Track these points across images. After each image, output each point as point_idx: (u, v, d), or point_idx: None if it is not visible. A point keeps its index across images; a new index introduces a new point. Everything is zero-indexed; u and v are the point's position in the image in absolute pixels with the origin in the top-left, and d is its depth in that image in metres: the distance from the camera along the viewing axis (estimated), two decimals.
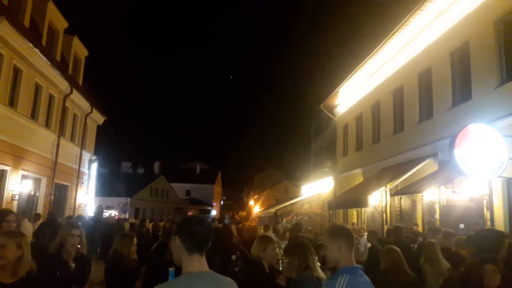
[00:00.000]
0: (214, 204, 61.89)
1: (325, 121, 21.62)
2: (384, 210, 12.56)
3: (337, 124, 19.50)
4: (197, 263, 1.99)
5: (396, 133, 13.10)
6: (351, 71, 14.98)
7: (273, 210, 25.97)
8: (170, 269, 2.12)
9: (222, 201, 70.35)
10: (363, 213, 14.72)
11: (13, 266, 2.65)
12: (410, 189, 10.50)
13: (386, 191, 12.03)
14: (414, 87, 12.02)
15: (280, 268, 3.93)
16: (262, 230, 10.99)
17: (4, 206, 11.73)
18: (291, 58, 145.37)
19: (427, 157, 10.50)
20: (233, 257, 5.60)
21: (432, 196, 10.02)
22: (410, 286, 4.00)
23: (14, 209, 12.21)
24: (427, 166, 10.42)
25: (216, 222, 17.35)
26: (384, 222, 12.41)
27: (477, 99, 9.02)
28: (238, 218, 32.98)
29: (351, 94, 17.00)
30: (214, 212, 56.40)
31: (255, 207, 46.27)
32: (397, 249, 4.48)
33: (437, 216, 10.06)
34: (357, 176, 15.53)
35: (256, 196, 51.68)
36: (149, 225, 14.00)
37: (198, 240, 2.00)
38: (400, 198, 12.00)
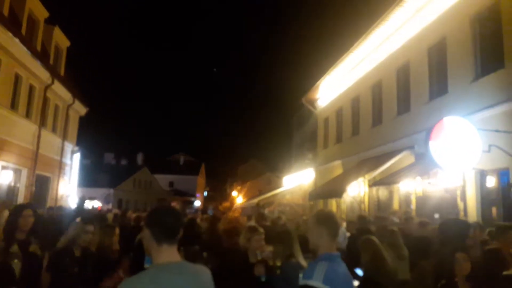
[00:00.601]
0: (198, 195, 61.90)
1: (306, 114, 21.89)
2: (362, 200, 12.94)
3: (318, 117, 19.79)
4: (166, 254, 1.95)
5: (375, 126, 13.44)
6: (332, 65, 15.23)
7: (255, 200, 26.28)
8: (147, 255, 2.14)
9: (205, 192, 70.38)
10: (342, 204, 15.09)
11: None
12: (387, 180, 10.87)
13: (364, 182, 12.39)
14: (392, 82, 12.33)
15: (259, 258, 3.96)
16: (245, 220, 11.19)
17: None
18: (274, 51, 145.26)
19: (404, 150, 10.83)
20: (204, 254, 5.49)
21: (409, 187, 10.37)
22: (386, 275, 4.09)
23: None
24: (404, 158, 10.77)
25: (200, 213, 17.45)
26: (362, 212, 12.79)
27: (453, 93, 9.31)
28: (223, 209, 33.16)
29: (331, 88, 17.28)
30: (198, 203, 56.45)
31: (238, 198, 46.52)
32: (371, 239, 4.64)
33: (413, 206, 10.45)
34: (337, 167, 15.87)
35: (239, 187, 51.91)
36: (132, 216, 14.03)
37: (166, 230, 1.96)
38: (378, 188, 12.37)
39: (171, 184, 59.79)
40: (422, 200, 10.10)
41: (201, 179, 66.19)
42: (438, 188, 9.30)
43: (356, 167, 13.49)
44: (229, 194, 58.42)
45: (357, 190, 12.51)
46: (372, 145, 13.03)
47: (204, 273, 2.07)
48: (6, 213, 9.56)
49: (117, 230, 5.15)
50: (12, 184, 14.56)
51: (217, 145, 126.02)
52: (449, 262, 3.49)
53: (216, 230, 6.81)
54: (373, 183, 11.65)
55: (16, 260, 3.60)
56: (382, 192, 12.45)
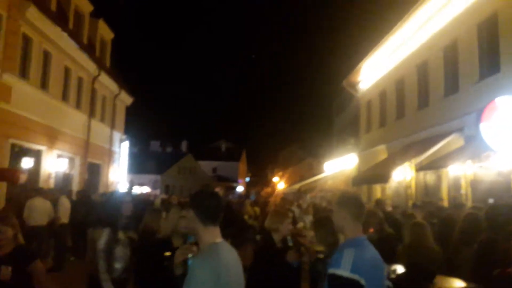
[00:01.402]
0: (240, 181, 62.83)
1: (347, 98, 21.43)
2: (408, 185, 12.58)
3: (360, 100, 19.31)
4: (212, 234, 2.10)
5: (421, 108, 12.94)
6: (374, 46, 14.74)
7: (297, 186, 26.30)
8: (189, 234, 2.30)
9: (247, 178, 71.27)
10: (387, 189, 14.75)
11: (9, 243, 3.33)
12: (435, 164, 10.47)
13: (411, 167, 12.02)
14: (439, 61, 11.77)
15: (290, 244, 3.93)
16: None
17: (41, 184, 12.44)
18: (313, 34, 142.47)
19: (453, 132, 10.38)
20: (258, 237, 5.52)
21: (458, 171, 9.96)
22: (432, 261, 4.01)
23: (51, 187, 12.96)
24: (453, 141, 10.31)
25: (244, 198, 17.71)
26: (409, 197, 12.46)
27: (506, 72, 8.78)
28: (265, 195, 33.50)
29: (374, 70, 16.76)
30: (240, 189, 57.33)
31: (280, 184, 46.72)
32: (423, 224, 4.53)
33: (463, 191, 10.04)
34: (381, 152, 15.48)
35: (280, 173, 52.08)
36: (175, 200, 14.45)
37: (210, 212, 2.10)
38: (425, 173, 11.96)
39: (214, 170, 61.09)
40: (473, 185, 9.67)
41: (242, 165, 67.03)
42: (491, 171, 8.86)
43: (401, 151, 13.09)
44: (271, 180, 58.79)
45: (403, 175, 12.17)
46: (418, 128, 12.56)
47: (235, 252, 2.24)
48: (63, 199, 10.24)
49: (164, 214, 5.33)
50: (67, 171, 15.47)
51: (257, 131, 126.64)
52: (499, 249, 3.32)
53: (267, 214, 7.00)
54: (420, 168, 11.26)
55: (121, 247, 3.68)
56: (429, 176, 12.04)
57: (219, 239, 2.12)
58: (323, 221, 3.79)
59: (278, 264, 3.41)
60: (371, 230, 5.02)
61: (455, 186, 10.50)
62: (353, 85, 19.08)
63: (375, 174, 12.88)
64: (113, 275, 3.62)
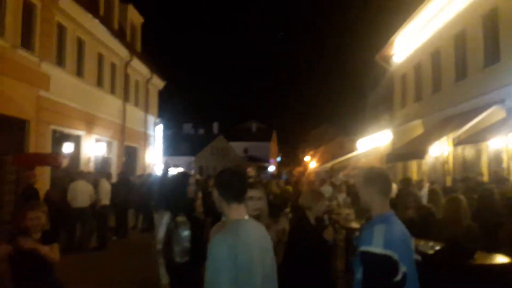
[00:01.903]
0: (271, 161, 63.05)
1: (381, 73, 20.80)
2: (446, 161, 12.21)
3: (393, 74, 18.71)
4: (236, 212, 2.11)
5: (458, 80, 12.40)
6: (407, 18, 14.13)
7: (329, 165, 26.06)
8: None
9: (278, 158, 71.40)
10: (423, 165, 14.38)
11: (41, 228, 3.70)
12: (474, 138, 10.09)
13: (448, 141, 11.64)
14: (478, 30, 11.15)
15: (326, 223, 3.94)
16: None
17: (81, 168, 13.00)
18: (344, 8, 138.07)
19: (494, 104, 9.92)
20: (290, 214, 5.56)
21: (499, 145, 9.56)
22: (467, 237, 3.92)
23: (91, 170, 13.52)
24: (494, 113, 9.86)
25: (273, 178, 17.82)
26: (446, 173, 12.11)
27: None
28: (297, 174, 33.50)
29: (408, 43, 16.12)
30: (271, 169, 57.59)
31: (311, 163, 46.49)
32: (459, 198, 4.41)
33: (504, 165, 9.64)
34: (417, 127, 15.03)
35: (312, 152, 51.72)
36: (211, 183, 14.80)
37: (233, 190, 2.12)
38: (464, 148, 11.55)
39: (245, 150, 61.56)
40: None
41: (273, 145, 67.11)
42: None
43: (438, 125, 12.67)
44: (302, 159, 58.57)
45: (440, 150, 11.81)
46: (456, 101, 12.08)
47: (265, 230, 2.26)
48: (103, 181, 10.68)
49: (199, 194, 5.48)
50: (105, 155, 16.06)
51: (288, 111, 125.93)
52: None
53: (300, 192, 7.09)
54: (458, 142, 10.86)
55: (184, 229, 3.65)
56: (468, 151, 11.62)
57: (244, 217, 2.13)
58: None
59: (313, 242, 3.42)
60: (409, 210, 4.95)
61: (496, 160, 10.09)
62: (387, 59, 18.48)
63: (411, 150, 12.56)
64: (176, 259, 3.54)
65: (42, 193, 8.88)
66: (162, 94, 23.13)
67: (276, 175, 33.59)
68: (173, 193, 3.76)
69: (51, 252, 3.62)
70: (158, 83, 22.02)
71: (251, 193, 3.05)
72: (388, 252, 2.11)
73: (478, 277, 3.35)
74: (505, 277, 3.38)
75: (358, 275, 2.24)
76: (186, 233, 3.55)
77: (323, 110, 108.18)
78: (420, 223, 4.58)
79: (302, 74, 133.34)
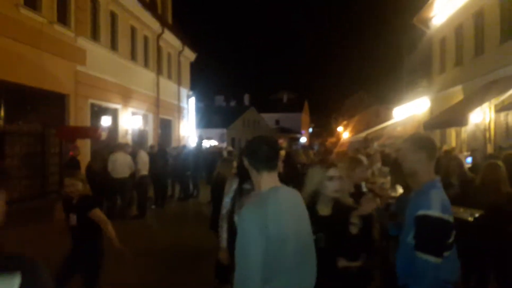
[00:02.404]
0: (303, 132, 62.62)
1: (418, 36, 19.83)
2: (487, 128, 11.68)
3: (432, 38, 17.80)
4: (267, 180, 2.02)
5: (504, 42, 11.63)
6: None
7: (363, 134, 25.61)
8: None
9: (310, 129, 70.77)
10: (463, 133, 13.85)
11: (78, 194, 3.95)
12: None
13: (490, 108, 11.10)
14: None
15: (364, 189, 3.88)
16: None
17: (120, 140, 13.45)
18: None
19: None
20: None
21: None
22: (500, 205, 3.78)
23: (129, 143, 13.97)
24: None
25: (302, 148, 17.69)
26: (487, 141, 11.62)
27: None
28: (329, 145, 33.13)
29: (448, 3, 15.21)
30: (303, 140, 57.32)
31: (345, 133, 45.84)
32: (498, 164, 4.26)
33: None
34: (457, 93, 14.40)
35: (345, 122, 50.88)
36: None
37: (262, 158, 2.02)
38: (507, 114, 10.99)
39: (277, 122, 61.35)
40: None
41: (305, 116, 66.40)
42: None
43: (480, 91, 12.06)
44: (335, 130, 57.82)
45: (481, 117, 11.30)
46: (500, 65, 11.39)
47: (299, 195, 2.16)
48: (142, 153, 11.01)
49: (234, 163, 5.57)
50: (142, 128, 16.50)
51: (320, 80, 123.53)
52: None
53: (328, 161, 7.03)
54: (500, 108, 10.35)
55: None
56: (511, 118, 11.06)
57: (276, 185, 2.04)
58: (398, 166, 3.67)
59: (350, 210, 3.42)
60: (452, 177, 4.81)
61: None
62: (425, 22, 17.57)
63: (450, 117, 12.10)
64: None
65: (83, 165, 9.29)
66: (193, 66, 23.25)
67: (308, 146, 33.37)
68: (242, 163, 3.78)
69: (96, 215, 3.93)
70: (189, 55, 22.10)
71: (331, 172, 2.87)
72: (445, 216, 2.20)
73: None
74: None
75: (409, 238, 2.29)
76: None
77: (357, 78, 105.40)
78: (459, 190, 4.47)
79: (335, 41, 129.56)
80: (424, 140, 2.44)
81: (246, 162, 2.08)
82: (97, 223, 3.90)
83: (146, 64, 16.82)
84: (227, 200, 3.81)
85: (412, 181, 2.51)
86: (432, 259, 2.16)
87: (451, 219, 2.26)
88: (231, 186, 3.86)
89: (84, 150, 11.38)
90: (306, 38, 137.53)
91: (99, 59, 12.81)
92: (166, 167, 11.90)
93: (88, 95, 12.30)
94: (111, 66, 13.62)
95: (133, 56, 15.62)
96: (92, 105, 12.78)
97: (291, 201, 2.04)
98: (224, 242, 3.76)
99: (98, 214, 3.97)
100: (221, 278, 4.50)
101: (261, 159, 2.02)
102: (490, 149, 11.09)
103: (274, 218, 1.85)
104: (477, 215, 3.70)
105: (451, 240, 2.27)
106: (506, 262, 3.73)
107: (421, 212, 2.22)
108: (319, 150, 16.06)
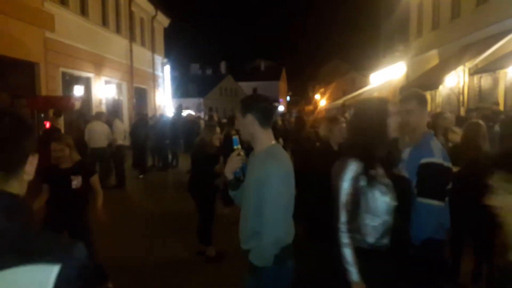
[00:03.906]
0: (281, 100, 62.57)
1: (396, 1, 19.77)
2: (461, 91, 11.95)
3: (410, 2, 17.79)
4: (269, 136, 2.17)
5: (479, 4, 11.74)
6: None
7: (340, 101, 25.81)
8: (234, 136, 2.30)
9: (288, 97, 70.77)
10: (437, 97, 14.15)
11: (67, 158, 3.77)
12: (492, 66, 9.80)
13: (464, 71, 11.32)
14: None
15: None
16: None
17: (94, 109, 13.07)
18: None
19: None
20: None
21: None
22: (478, 160, 3.91)
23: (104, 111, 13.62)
24: None
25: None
26: (461, 104, 11.92)
27: None
28: (306, 112, 33.27)
29: None
30: (281, 108, 57.39)
31: (322, 101, 46.09)
32: (479, 123, 4.36)
33: None
34: (433, 57, 14.58)
35: (322, 90, 51.10)
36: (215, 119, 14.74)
37: (268, 114, 2.15)
38: (480, 77, 11.25)
39: (254, 90, 60.90)
40: None
41: (282, 84, 66.17)
42: None
43: (455, 55, 12.24)
44: (312, 98, 58.05)
45: (456, 81, 11.52)
46: (476, 28, 11.54)
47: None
48: (118, 122, 10.75)
49: (217, 129, 5.56)
50: (116, 97, 16.06)
51: (297, 47, 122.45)
52: None
53: (301, 130, 7.14)
54: (474, 71, 10.57)
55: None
56: (485, 80, 11.33)
57: (274, 141, 2.18)
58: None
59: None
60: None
61: None
62: None
63: (425, 81, 12.30)
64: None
65: None
66: (167, 33, 22.53)
67: (286, 114, 33.37)
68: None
69: (94, 183, 3.87)
70: (163, 20, 21.37)
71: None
72: (445, 163, 2.40)
73: None
74: None
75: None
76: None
77: (334, 44, 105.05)
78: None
79: (311, 7, 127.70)
80: (425, 96, 2.65)
81: (250, 118, 2.12)
82: (86, 192, 3.81)
83: (118, 30, 16.18)
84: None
85: (412, 136, 2.60)
86: (436, 203, 2.33)
87: (450, 166, 2.45)
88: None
89: (57, 120, 11.02)
90: (282, 4, 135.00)
91: (68, 25, 12.21)
92: (148, 137, 11.71)
93: (59, 64, 11.80)
94: (81, 32, 13.03)
95: (104, 22, 14.96)
96: (64, 74, 12.30)
97: (286, 154, 2.22)
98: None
99: (97, 181, 3.92)
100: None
101: (266, 115, 2.13)
102: (463, 112, 11.39)
103: (289, 169, 2.10)
104: (455, 170, 3.81)
105: (450, 186, 2.46)
106: (480, 215, 3.89)
107: (425, 160, 2.37)
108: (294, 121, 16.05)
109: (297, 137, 6.86)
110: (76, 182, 3.71)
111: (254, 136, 2.15)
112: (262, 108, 2.14)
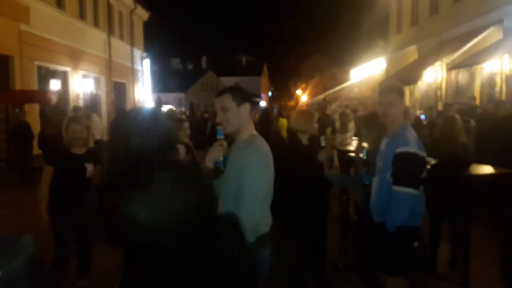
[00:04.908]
0: (263, 95, 62.55)
1: None
2: (439, 86, 12.18)
3: None
4: (252, 126, 2.22)
5: (457, 1, 11.97)
6: None
7: (321, 97, 25.96)
8: (218, 127, 2.27)
9: (270, 93, 70.79)
10: (416, 92, 14.38)
11: (84, 143, 3.50)
12: (469, 62, 9.99)
13: (442, 66, 11.53)
14: None
15: (323, 144, 3.91)
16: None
17: (71, 104, 12.78)
18: None
19: (492, 25, 9.70)
20: None
21: (494, 67, 9.49)
22: (456, 152, 3.98)
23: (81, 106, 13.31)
24: (491, 35, 9.68)
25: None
26: (439, 99, 12.15)
27: None
28: (288, 108, 33.35)
29: None
30: (263, 104, 57.39)
31: (303, 97, 46.31)
32: (455, 117, 4.44)
33: (497, 88, 9.66)
34: (412, 53, 14.81)
35: (303, 86, 51.35)
36: (198, 114, 14.62)
37: (254, 104, 2.19)
38: (458, 72, 11.48)
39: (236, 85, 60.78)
40: (509, 81, 9.23)
41: (264, 80, 66.12)
42: None
43: (433, 50, 12.46)
44: (294, 93, 58.25)
45: (434, 76, 11.73)
46: (453, 24, 11.76)
47: None
48: (94, 116, 10.52)
49: (186, 124, 5.18)
50: (94, 91, 15.73)
51: (278, 42, 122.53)
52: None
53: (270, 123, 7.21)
54: (452, 66, 10.77)
55: None
56: (462, 75, 11.57)
57: (255, 131, 2.22)
58: (372, 117, 3.71)
59: (306, 161, 3.47)
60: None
61: (489, 83, 10.09)
62: None
63: (404, 76, 12.47)
64: None
65: (35, 130, 8.79)
66: (147, 27, 22.16)
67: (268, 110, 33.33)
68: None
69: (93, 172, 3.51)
70: (142, 14, 21.00)
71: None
72: (420, 152, 2.45)
73: (473, 186, 3.49)
74: (496, 185, 3.57)
75: (387, 175, 2.50)
76: None
77: (316, 40, 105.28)
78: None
79: (293, 2, 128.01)
80: (401, 87, 2.69)
81: (247, 107, 2.15)
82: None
83: (96, 24, 15.81)
84: None
85: (390, 127, 2.64)
86: (410, 191, 2.38)
87: (425, 155, 2.50)
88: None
89: (33, 115, 10.75)
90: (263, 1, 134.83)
91: (44, 17, 11.86)
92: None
93: (34, 57, 11.46)
94: (58, 25, 12.67)
95: (81, 15, 14.60)
96: (39, 68, 11.96)
97: (266, 144, 2.24)
98: None
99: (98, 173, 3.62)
100: None
101: (255, 105, 2.10)
102: (440, 106, 11.62)
103: (269, 158, 2.16)
104: (433, 162, 3.87)
105: (424, 174, 2.50)
106: (458, 206, 3.98)
107: (400, 149, 2.42)
108: (282, 113, 16.10)
109: (266, 130, 6.87)
110: (90, 169, 3.41)
111: (242, 126, 2.15)
112: (249, 98, 2.19)
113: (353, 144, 5.44)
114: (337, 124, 10.83)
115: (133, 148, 1.39)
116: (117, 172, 1.41)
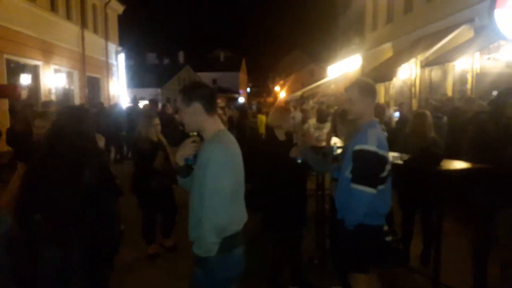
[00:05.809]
0: (241, 91, 62.40)
1: None
2: (413, 83, 12.42)
3: None
4: (216, 122, 2.14)
5: None
6: None
7: (299, 93, 26.16)
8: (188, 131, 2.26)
9: (248, 89, 70.71)
10: (391, 88, 14.63)
11: None
12: (441, 59, 10.21)
13: (416, 64, 11.75)
14: None
15: (295, 141, 3.92)
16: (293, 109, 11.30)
17: (43, 99, 12.37)
18: None
19: (463, 23, 9.93)
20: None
21: (465, 65, 9.74)
22: (426, 148, 4.05)
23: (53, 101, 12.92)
24: (462, 33, 9.91)
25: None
26: (413, 96, 12.39)
27: None
28: (267, 104, 33.42)
29: None
30: (241, 100, 57.27)
31: (281, 93, 46.49)
32: (425, 113, 4.52)
33: (468, 85, 9.92)
34: (387, 50, 15.04)
35: (281, 82, 51.55)
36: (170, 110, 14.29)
37: (212, 100, 2.12)
38: (431, 69, 11.73)
39: (214, 81, 60.22)
40: (479, 78, 9.50)
41: (243, 75, 65.96)
42: (498, 63, 8.66)
43: (408, 48, 12.68)
44: (272, 90, 58.42)
45: (408, 73, 11.95)
46: (427, 22, 11.99)
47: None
48: None
49: (156, 121, 4.99)
50: (67, 86, 15.29)
51: (257, 38, 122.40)
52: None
53: (245, 119, 7.24)
54: (425, 64, 11.00)
55: None
56: (435, 73, 11.83)
57: (222, 126, 2.16)
58: (345, 113, 3.73)
59: (282, 157, 3.47)
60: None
61: (461, 81, 10.35)
62: None
63: (379, 73, 12.67)
64: None
65: (2, 126, 8.48)
66: (122, 20, 21.68)
67: (245, 106, 33.35)
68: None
69: None
70: (117, 7, 20.52)
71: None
72: (380, 151, 2.39)
73: (444, 180, 3.55)
74: (467, 180, 3.64)
75: (346, 172, 2.49)
76: None
77: (294, 36, 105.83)
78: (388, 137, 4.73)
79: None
80: (369, 85, 2.64)
81: (196, 106, 2.06)
82: None
83: (68, 16, 15.35)
84: None
85: (357, 125, 2.63)
86: (367, 189, 2.35)
87: (386, 154, 2.44)
88: None
89: (1, 110, 10.37)
90: None
91: (12, 8, 11.42)
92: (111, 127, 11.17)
93: (2, 50, 11.04)
94: (27, 17, 12.23)
95: (53, 7, 14.13)
96: (8, 61, 11.52)
97: (234, 140, 2.21)
98: None
99: None
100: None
101: (211, 101, 2.11)
102: (415, 103, 11.86)
103: (235, 153, 2.12)
104: (405, 158, 3.93)
105: (385, 174, 2.45)
106: (430, 200, 4.06)
107: (358, 146, 2.41)
108: (261, 109, 16.09)
109: (241, 126, 6.88)
110: None
111: (202, 125, 2.11)
112: (206, 94, 2.10)
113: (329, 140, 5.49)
114: (313, 120, 10.95)
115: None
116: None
